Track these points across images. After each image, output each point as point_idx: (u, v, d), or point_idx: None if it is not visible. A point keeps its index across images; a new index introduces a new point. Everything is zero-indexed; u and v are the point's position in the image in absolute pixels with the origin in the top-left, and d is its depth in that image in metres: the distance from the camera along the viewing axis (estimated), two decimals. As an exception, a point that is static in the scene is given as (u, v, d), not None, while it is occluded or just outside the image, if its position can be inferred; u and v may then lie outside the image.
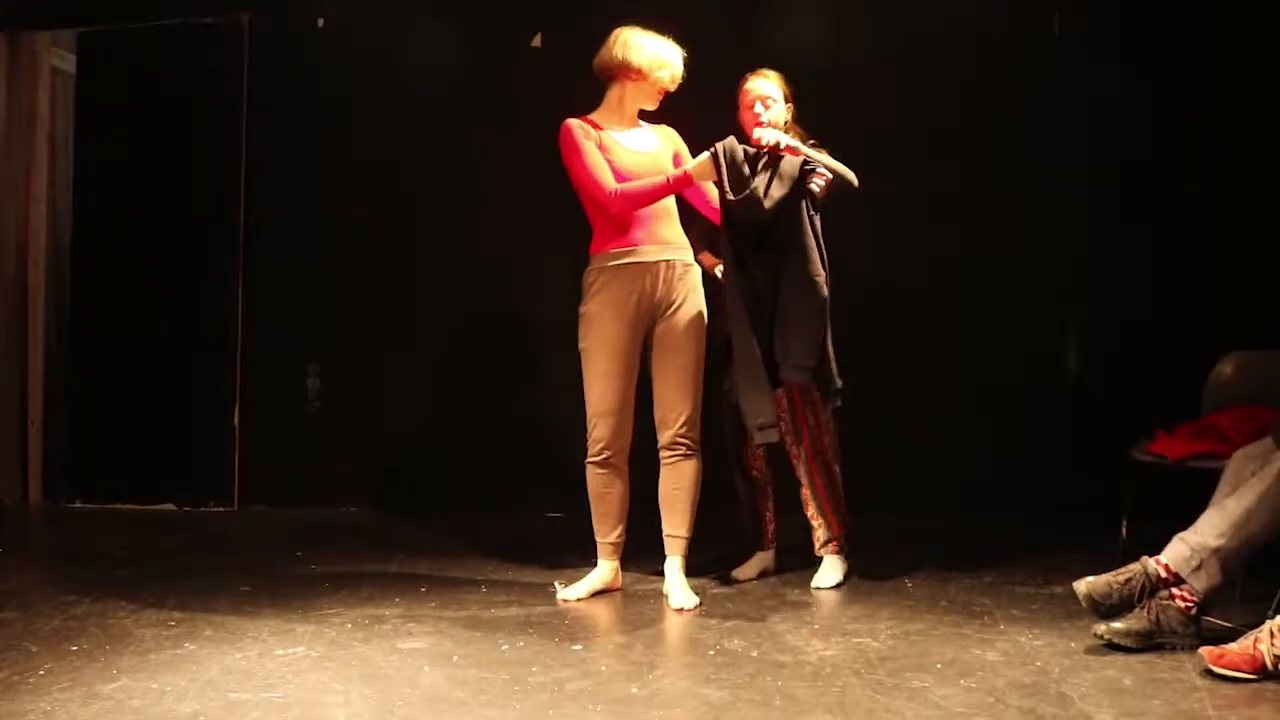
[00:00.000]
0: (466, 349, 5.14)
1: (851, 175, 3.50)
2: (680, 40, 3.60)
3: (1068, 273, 4.76)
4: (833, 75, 4.56)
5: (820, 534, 3.70)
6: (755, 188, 3.39)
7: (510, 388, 5.09)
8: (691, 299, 3.57)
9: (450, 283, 5.13)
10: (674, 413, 3.54)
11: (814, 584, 3.65)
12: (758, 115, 3.63)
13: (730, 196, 3.38)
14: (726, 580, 3.75)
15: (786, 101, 3.70)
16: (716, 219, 3.59)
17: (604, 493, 3.58)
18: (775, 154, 3.44)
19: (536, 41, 5.06)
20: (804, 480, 3.67)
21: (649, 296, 3.52)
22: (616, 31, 3.57)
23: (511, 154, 4.99)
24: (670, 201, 3.60)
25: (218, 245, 5.23)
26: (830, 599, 3.54)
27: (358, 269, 5.20)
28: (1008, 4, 4.77)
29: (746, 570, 3.81)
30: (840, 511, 3.70)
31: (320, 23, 5.22)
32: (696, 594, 3.51)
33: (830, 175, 3.47)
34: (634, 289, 3.51)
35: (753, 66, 3.74)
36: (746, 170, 3.40)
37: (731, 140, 3.44)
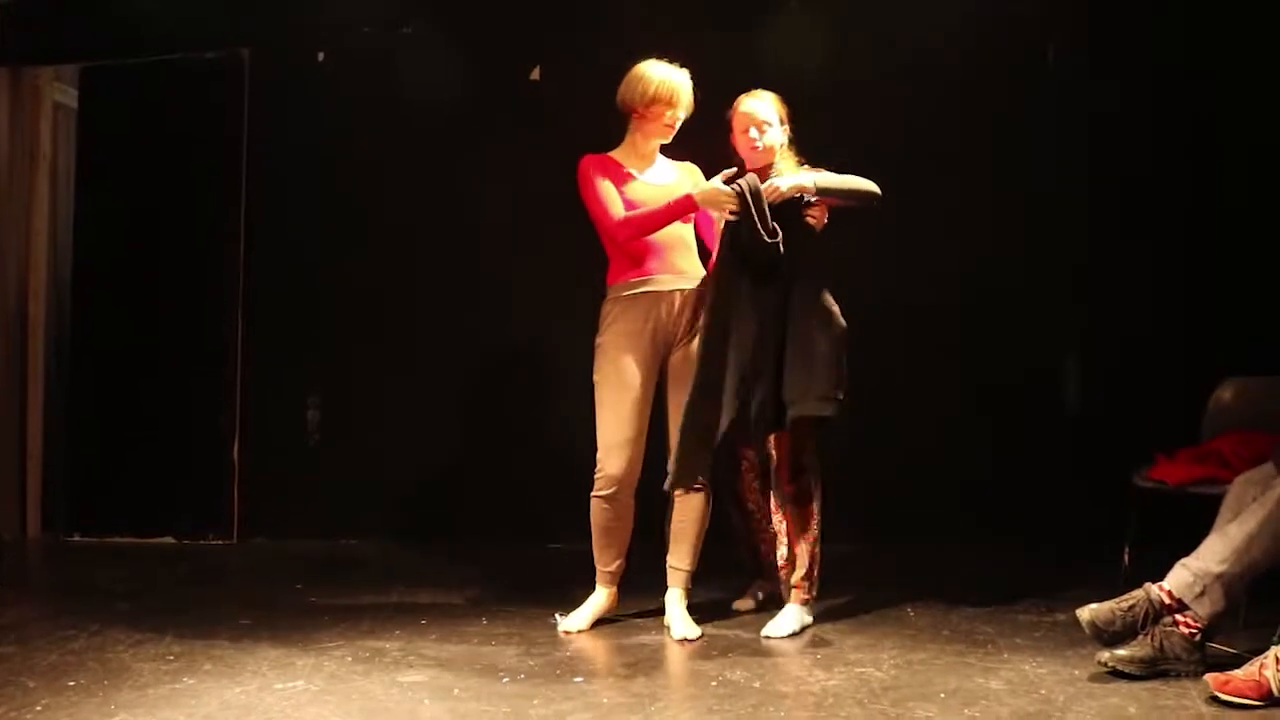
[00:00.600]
0: (466, 380, 5.14)
1: (868, 187, 3.44)
2: (685, 63, 3.58)
3: (1067, 299, 4.76)
4: (832, 97, 4.58)
5: (788, 577, 3.54)
6: (780, 236, 3.35)
7: (511, 418, 5.08)
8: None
9: (450, 314, 5.14)
10: None
11: (765, 631, 3.44)
12: (753, 141, 3.55)
13: (765, 240, 3.33)
14: (728, 611, 3.72)
15: (783, 123, 3.60)
16: (712, 246, 3.61)
17: (609, 526, 3.56)
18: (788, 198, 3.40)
19: (535, 75, 5.09)
20: (780, 527, 3.55)
21: (664, 326, 3.53)
22: (633, 68, 3.58)
23: (512, 185, 5.01)
24: (687, 231, 3.61)
25: (217, 278, 5.25)
26: (832, 630, 3.51)
27: (357, 301, 5.21)
28: (1005, 28, 4.79)
29: (745, 602, 3.77)
30: (813, 566, 3.53)
31: (320, 57, 5.26)
32: (698, 625, 3.49)
33: (839, 200, 3.44)
34: (649, 318, 3.52)
35: (749, 88, 3.65)
36: (769, 212, 3.36)
37: (754, 178, 3.40)
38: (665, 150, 3.69)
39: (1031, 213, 4.76)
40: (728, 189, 3.40)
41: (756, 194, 3.37)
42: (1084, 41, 4.76)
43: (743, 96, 3.63)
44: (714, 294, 3.46)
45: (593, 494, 3.55)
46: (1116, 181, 4.71)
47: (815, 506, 3.51)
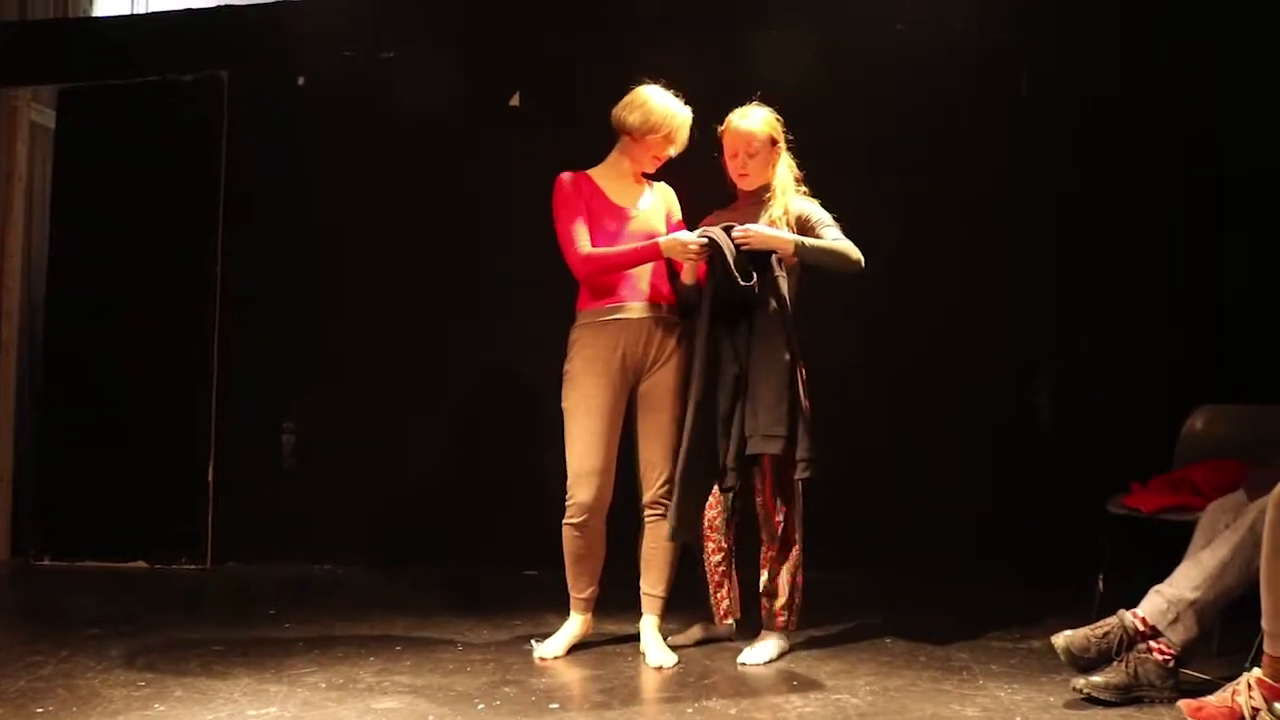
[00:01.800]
0: (444, 404, 5.13)
1: (852, 255, 3.40)
2: (673, 86, 3.57)
3: (1042, 326, 4.79)
4: (807, 116, 4.60)
5: (768, 606, 3.52)
6: (755, 280, 3.35)
7: (488, 443, 5.07)
8: (675, 359, 3.56)
9: (428, 338, 5.13)
10: (655, 472, 3.53)
11: (741, 658, 3.43)
12: (740, 169, 3.53)
13: (739, 284, 3.33)
14: (705, 638, 3.71)
15: (774, 144, 3.53)
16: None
17: (580, 553, 3.55)
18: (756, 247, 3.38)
19: (515, 101, 5.11)
20: (765, 559, 3.52)
21: (634, 353, 3.52)
22: (637, 89, 3.56)
23: (495, 206, 5.03)
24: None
25: (193, 302, 5.23)
26: (808, 657, 3.51)
27: (335, 325, 5.20)
28: (976, 64, 4.84)
29: (690, 635, 3.69)
30: (794, 595, 3.51)
31: (301, 80, 5.27)
32: (674, 652, 3.48)
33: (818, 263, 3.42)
34: (619, 345, 3.50)
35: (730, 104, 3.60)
36: (738, 256, 3.35)
37: (720, 231, 3.37)
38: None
39: (1005, 240, 4.79)
40: (694, 239, 3.38)
41: (727, 242, 3.35)
42: (1057, 65, 4.81)
43: (733, 115, 3.56)
44: (700, 338, 3.44)
45: (564, 521, 3.54)
46: (1092, 208, 4.75)
47: (798, 536, 3.50)
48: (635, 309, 3.52)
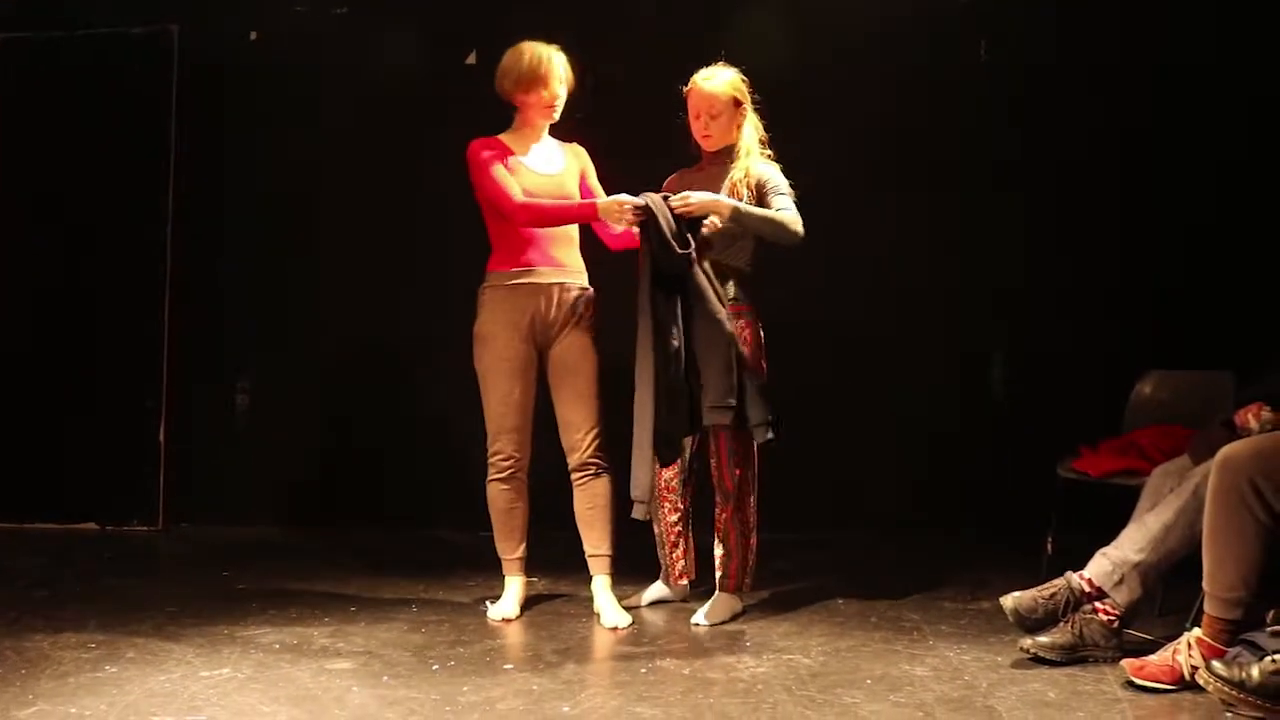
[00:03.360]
0: (397, 365, 5.10)
1: (791, 227, 3.39)
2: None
3: (995, 291, 4.84)
4: (764, 100, 4.61)
5: (722, 567, 3.54)
6: (693, 248, 3.34)
7: (440, 405, 5.04)
8: (584, 322, 3.56)
9: (382, 299, 5.09)
10: (578, 434, 3.54)
11: (695, 619, 3.45)
12: (704, 130, 3.51)
13: (676, 252, 3.31)
14: (659, 599, 3.73)
15: (738, 106, 3.52)
16: (613, 247, 3.61)
17: (508, 508, 3.57)
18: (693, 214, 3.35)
19: (471, 59, 5.05)
20: (719, 520, 3.53)
21: (542, 318, 3.52)
22: (506, 53, 3.54)
23: (441, 170, 4.95)
24: (572, 226, 3.58)
25: (144, 261, 5.14)
26: (761, 618, 3.54)
27: (288, 285, 5.14)
28: (934, 31, 4.85)
29: (650, 594, 3.70)
30: (748, 556, 3.54)
31: (253, 36, 5.17)
32: (627, 613, 3.50)
33: (756, 231, 3.42)
34: (528, 309, 3.50)
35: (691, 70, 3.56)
36: (675, 225, 3.32)
37: (657, 198, 3.35)
38: (555, 132, 3.64)
39: (960, 206, 4.83)
40: (631, 201, 3.35)
41: (664, 209, 3.33)
42: (1016, 42, 4.83)
43: (697, 75, 3.54)
44: (643, 310, 3.36)
45: (489, 479, 3.56)
46: (1045, 176, 4.80)
47: (752, 500, 3.53)
48: (545, 274, 3.52)
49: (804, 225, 3.42)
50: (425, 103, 5.05)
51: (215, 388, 5.19)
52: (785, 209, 3.44)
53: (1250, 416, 3.00)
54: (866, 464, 4.81)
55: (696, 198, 3.37)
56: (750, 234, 3.49)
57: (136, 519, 5.10)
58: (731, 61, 3.58)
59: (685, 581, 3.73)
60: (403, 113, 5.07)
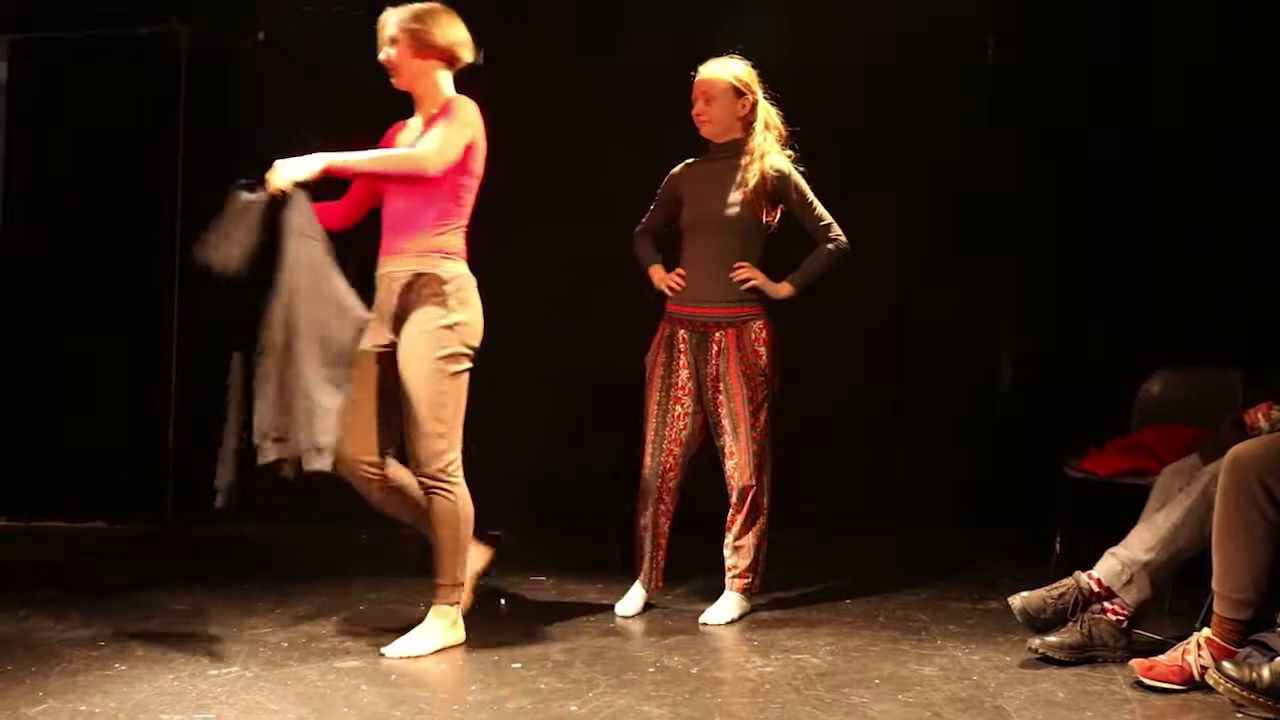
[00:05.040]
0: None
1: (844, 251, 3.53)
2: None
3: (1003, 288, 4.83)
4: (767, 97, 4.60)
5: (730, 563, 3.53)
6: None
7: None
8: (418, 315, 3.15)
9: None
10: (410, 445, 3.15)
11: (703, 618, 3.44)
12: (699, 114, 3.49)
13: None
14: (666, 598, 3.73)
15: (740, 95, 3.46)
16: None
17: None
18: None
19: (479, 58, 5.03)
20: (734, 521, 3.51)
21: (386, 312, 3.23)
22: None
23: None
24: (407, 206, 3.26)
25: (152, 257, 5.14)
26: (769, 618, 3.54)
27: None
28: (942, 30, 4.84)
29: (632, 605, 3.59)
30: (759, 557, 3.52)
31: (261, 36, 5.18)
32: (640, 617, 3.50)
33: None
34: (380, 304, 3.24)
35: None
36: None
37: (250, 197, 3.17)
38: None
39: (966, 205, 4.82)
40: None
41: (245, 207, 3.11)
42: (1019, 49, 4.83)
43: (704, 64, 3.52)
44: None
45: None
46: (1050, 174, 4.79)
47: (765, 501, 3.53)
48: (382, 263, 3.31)
49: (791, 226, 3.43)
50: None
51: (223, 387, 5.19)
52: (826, 224, 3.52)
53: (1260, 415, 3.00)
54: (874, 463, 4.81)
55: (755, 280, 3.45)
56: (761, 235, 3.50)
57: (144, 518, 5.11)
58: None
59: (660, 583, 3.65)
60: (411, 112, 5.05)
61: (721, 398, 3.49)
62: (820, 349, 4.71)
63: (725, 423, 3.49)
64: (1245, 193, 4.61)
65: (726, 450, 3.51)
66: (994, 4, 4.84)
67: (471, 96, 3.27)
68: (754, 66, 3.57)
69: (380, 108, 5.06)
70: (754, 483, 3.49)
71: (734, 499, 3.52)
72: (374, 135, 5.04)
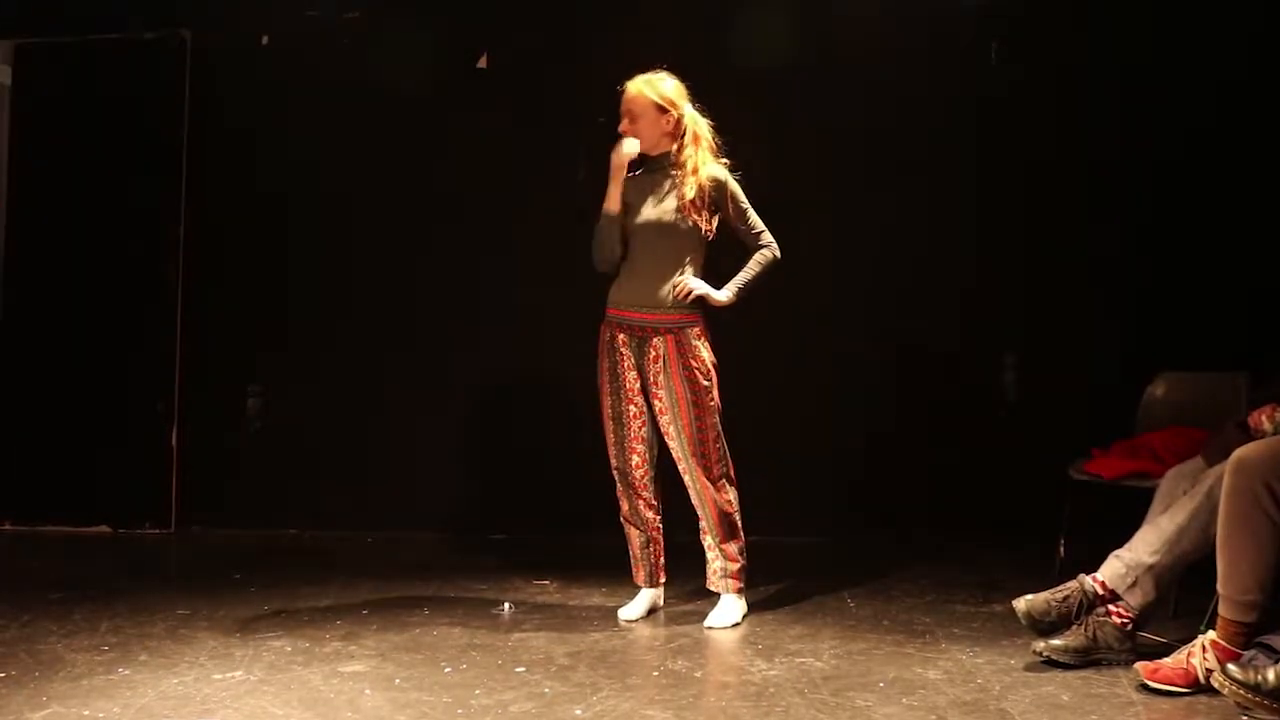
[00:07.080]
0: (408, 367, 5.10)
1: (776, 260, 3.49)
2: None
3: (1006, 292, 4.82)
4: (769, 93, 4.60)
5: (716, 567, 3.54)
6: None
7: (452, 408, 5.05)
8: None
9: (393, 300, 5.10)
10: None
11: (707, 623, 3.44)
12: (624, 131, 3.47)
13: None
14: (670, 602, 3.73)
15: (664, 112, 3.43)
16: None
17: None
18: None
19: (482, 63, 5.05)
20: (710, 524, 3.51)
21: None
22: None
23: (454, 171, 4.99)
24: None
25: (155, 261, 5.15)
26: (773, 621, 3.54)
27: (299, 286, 5.15)
28: (943, 33, 4.84)
29: (641, 608, 3.59)
30: (743, 555, 3.53)
31: (264, 40, 5.19)
32: (644, 621, 3.49)
33: None
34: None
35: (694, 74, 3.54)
36: None
37: None
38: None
39: (970, 206, 4.82)
40: None
41: None
42: (1021, 51, 4.82)
43: (630, 80, 3.50)
44: None
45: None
46: (1054, 176, 4.78)
47: (729, 497, 3.51)
48: None
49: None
50: (437, 105, 5.05)
51: (227, 390, 5.20)
52: (759, 231, 3.50)
53: (1264, 418, 2.99)
54: (876, 467, 4.80)
55: (697, 289, 3.43)
56: (703, 243, 3.49)
57: (149, 522, 5.11)
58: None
59: (663, 580, 3.65)
60: (415, 115, 5.07)
61: (661, 405, 3.47)
62: (820, 349, 4.72)
63: (670, 429, 3.47)
64: (1251, 195, 4.61)
65: (675, 455, 3.49)
66: (995, 6, 4.83)
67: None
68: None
69: (383, 111, 5.10)
70: (711, 484, 3.47)
71: (697, 506, 3.52)
72: (374, 138, 5.08)
